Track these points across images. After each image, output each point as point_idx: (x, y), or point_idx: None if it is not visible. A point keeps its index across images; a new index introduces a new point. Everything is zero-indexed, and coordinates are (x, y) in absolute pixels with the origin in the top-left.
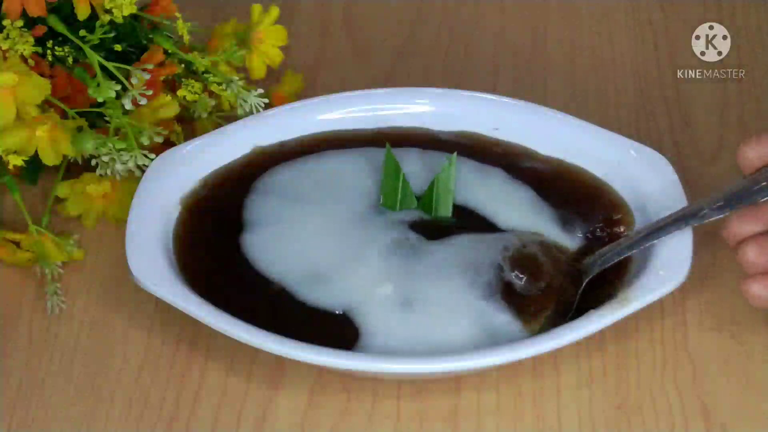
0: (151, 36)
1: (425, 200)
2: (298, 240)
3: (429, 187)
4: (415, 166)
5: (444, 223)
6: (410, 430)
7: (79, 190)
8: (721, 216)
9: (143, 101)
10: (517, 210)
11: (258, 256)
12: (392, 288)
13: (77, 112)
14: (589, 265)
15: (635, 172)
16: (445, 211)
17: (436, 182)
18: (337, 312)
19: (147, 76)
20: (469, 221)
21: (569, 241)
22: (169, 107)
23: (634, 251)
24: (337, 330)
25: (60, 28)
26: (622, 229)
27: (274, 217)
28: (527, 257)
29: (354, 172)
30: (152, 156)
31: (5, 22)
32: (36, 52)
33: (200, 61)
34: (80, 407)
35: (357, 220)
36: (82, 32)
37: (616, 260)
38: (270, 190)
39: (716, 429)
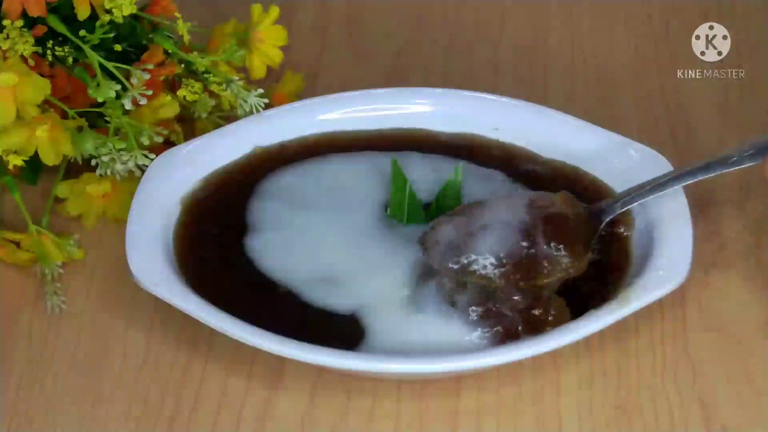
0: (151, 36)
1: (433, 213)
2: (306, 245)
3: (436, 200)
4: (417, 171)
5: None
6: (410, 430)
7: (79, 190)
8: (750, 164)
9: (143, 101)
10: None
11: (263, 259)
12: (407, 294)
13: (77, 112)
14: (609, 205)
15: (635, 172)
16: None
17: (442, 196)
18: (344, 315)
19: (147, 76)
20: None
21: None
22: (169, 107)
23: (657, 195)
24: (342, 333)
25: (60, 28)
26: (622, 229)
27: (279, 220)
28: (557, 222)
29: (358, 177)
30: (152, 156)
31: (5, 22)
32: (36, 52)
33: (200, 61)
34: (80, 407)
35: (366, 228)
36: (82, 32)
37: (637, 202)
38: (274, 194)
39: (716, 429)
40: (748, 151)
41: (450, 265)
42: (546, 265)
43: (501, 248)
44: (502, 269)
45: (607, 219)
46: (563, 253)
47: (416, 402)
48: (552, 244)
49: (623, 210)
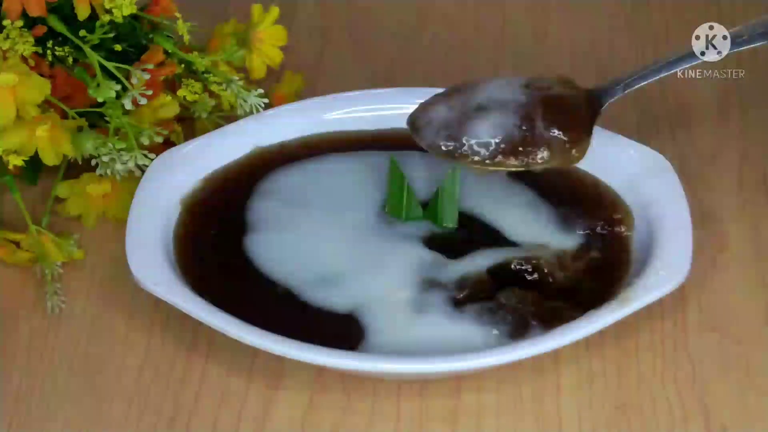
0: (151, 36)
1: (431, 210)
2: (305, 244)
3: (434, 196)
4: (416, 170)
5: (450, 233)
6: (410, 430)
7: (79, 190)
8: (761, 43)
9: (143, 101)
10: (519, 212)
11: (262, 258)
12: (408, 293)
13: (77, 112)
14: (611, 86)
15: (635, 172)
16: (452, 221)
17: (440, 192)
18: (343, 314)
19: (147, 76)
20: (474, 228)
21: (569, 239)
22: (169, 107)
23: (662, 76)
24: (341, 333)
25: (60, 28)
26: (622, 229)
27: (278, 220)
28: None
29: (357, 177)
30: (152, 156)
31: (5, 22)
32: (36, 52)
33: (200, 61)
34: (80, 407)
35: (364, 227)
36: (82, 32)
37: (642, 83)
38: (273, 193)
39: (716, 429)
40: (758, 29)
41: (441, 145)
42: (545, 149)
43: (497, 131)
44: (498, 154)
45: (608, 101)
46: (563, 137)
47: (416, 402)
48: (551, 129)
49: (625, 93)
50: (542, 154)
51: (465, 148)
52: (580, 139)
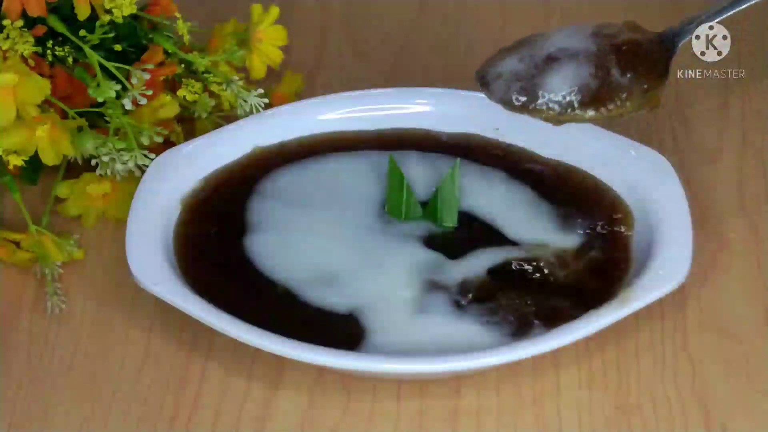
0: (151, 36)
1: (430, 209)
2: (305, 244)
3: (433, 195)
4: (416, 170)
5: (450, 232)
6: (410, 430)
7: (79, 190)
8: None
9: (143, 101)
10: (519, 212)
11: (262, 258)
12: (409, 293)
13: (77, 112)
14: (684, 26)
15: (635, 172)
16: (451, 220)
17: (440, 191)
18: (344, 314)
19: (147, 76)
20: (474, 227)
21: (569, 239)
22: (169, 107)
23: (731, 13)
24: (342, 333)
25: (60, 28)
26: (622, 229)
27: (278, 220)
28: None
29: (357, 176)
30: (152, 156)
31: (5, 22)
32: (36, 52)
33: (200, 61)
34: (80, 407)
35: (364, 227)
36: (82, 32)
37: (715, 20)
38: (273, 193)
39: (716, 429)
40: None
41: (514, 99)
42: (624, 96)
43: (573, 82)
44: (575, 105)
45: (683, 42)
46: (641, 82)
47: (416, 402)
48: (627, 74)
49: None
50: (622, 101)
51: (539, 101)
52: (657, 83)
